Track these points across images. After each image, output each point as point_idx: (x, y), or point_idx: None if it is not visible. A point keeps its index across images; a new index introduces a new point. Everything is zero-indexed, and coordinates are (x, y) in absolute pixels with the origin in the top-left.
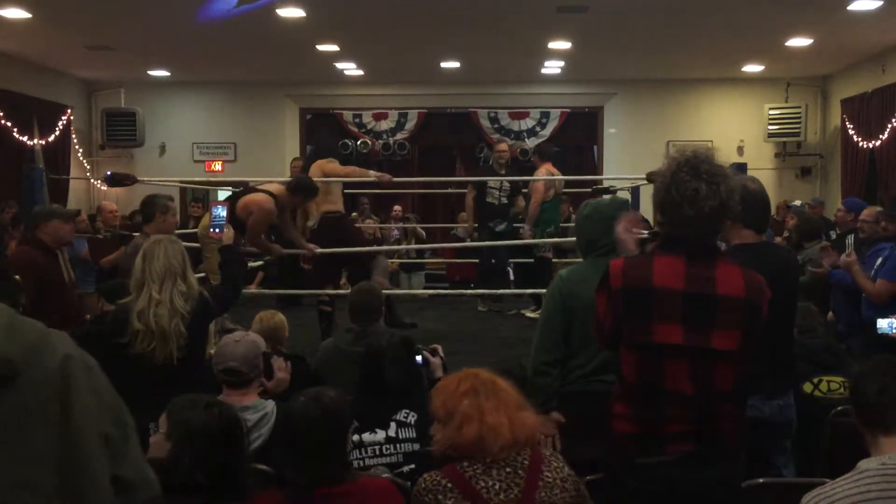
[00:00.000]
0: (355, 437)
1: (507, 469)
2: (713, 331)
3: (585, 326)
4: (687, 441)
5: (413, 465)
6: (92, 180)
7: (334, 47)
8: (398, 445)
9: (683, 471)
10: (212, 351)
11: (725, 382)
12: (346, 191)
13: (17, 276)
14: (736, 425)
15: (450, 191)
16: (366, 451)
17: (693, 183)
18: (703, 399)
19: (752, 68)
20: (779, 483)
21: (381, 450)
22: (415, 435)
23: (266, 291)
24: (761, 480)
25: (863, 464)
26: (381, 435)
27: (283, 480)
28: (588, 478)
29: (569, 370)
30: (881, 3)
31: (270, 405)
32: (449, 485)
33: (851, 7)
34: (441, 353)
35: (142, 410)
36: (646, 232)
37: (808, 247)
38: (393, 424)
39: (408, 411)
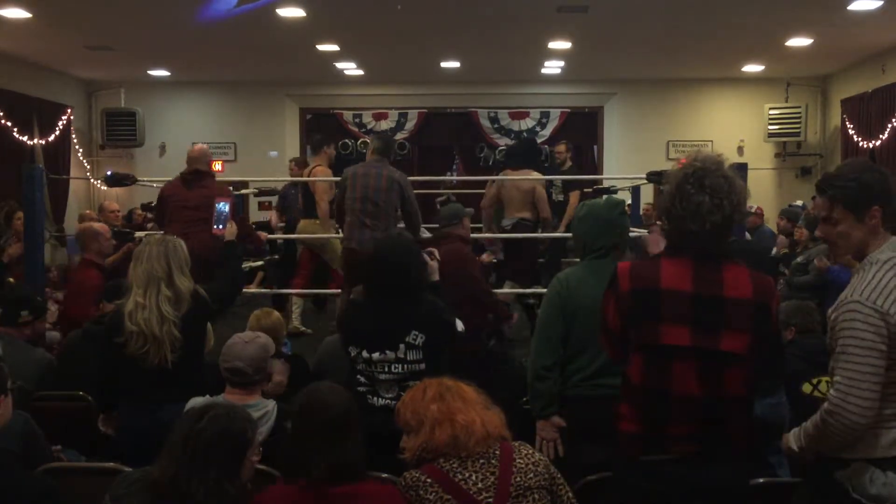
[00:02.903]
0: (365, 354)
1: (481, 461)
2: (721, 332)
3: (585, 329)
4: (691, 442)
5: (417, 382)
6: (92, 180)
7: (334, 47)
8: (405, 366)
9: (689, 469)
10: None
11: (734, 385)
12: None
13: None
14: (744, 428)
15: (451, 191)
16: (375, 367)
17: (697, 197)
18: (711, 401)
19: (752, 68)
20: (775, 483)
21: (389, 367)
22: (421, 356)
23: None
24: (760, 480)
25: (872, 257)
26: (391, 355)
27: (291, 476)
28: (590, 478)
29: (569, 373)
30: (881, 3)
31: (271, 404)
32: (429, 480)
33: (851, 7)
34: (437, 256)
35: (141, 409)
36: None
37: (812, 247)
38: (402, 346)
39: (417, 333)
